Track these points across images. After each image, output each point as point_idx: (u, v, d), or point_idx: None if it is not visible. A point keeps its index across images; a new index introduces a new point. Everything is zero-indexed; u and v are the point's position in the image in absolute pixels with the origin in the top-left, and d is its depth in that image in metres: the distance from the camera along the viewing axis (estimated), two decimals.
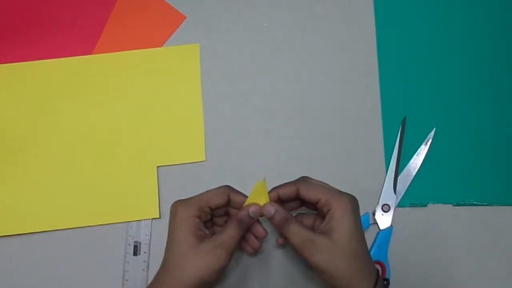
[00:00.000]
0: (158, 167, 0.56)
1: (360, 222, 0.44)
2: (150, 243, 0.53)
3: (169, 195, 0.55)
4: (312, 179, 0.47)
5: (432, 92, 0.58)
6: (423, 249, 0.54)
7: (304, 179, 0.47)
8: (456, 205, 0.55)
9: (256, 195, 0.46)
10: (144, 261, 0.53)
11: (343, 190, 0.54)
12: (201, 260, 0.42)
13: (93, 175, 0.56)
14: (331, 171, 0.56)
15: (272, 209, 0.45)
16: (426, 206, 0.55)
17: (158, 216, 0.54)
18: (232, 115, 0.58)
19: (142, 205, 0.54)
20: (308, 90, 0.58)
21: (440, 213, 0.55)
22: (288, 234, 0.44)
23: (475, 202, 0.54)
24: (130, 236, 0.54)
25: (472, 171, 0.56)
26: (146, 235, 0.53)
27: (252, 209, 0.45)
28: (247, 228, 0.46)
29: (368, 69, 0.59)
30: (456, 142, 0.56)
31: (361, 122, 0.57)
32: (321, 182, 0.47)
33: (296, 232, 0.43)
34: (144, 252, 0.53)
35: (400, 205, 0.54)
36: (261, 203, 0.45)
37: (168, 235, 0.45)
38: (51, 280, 0.53)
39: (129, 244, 0.53)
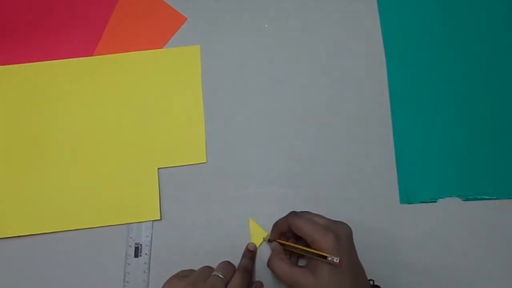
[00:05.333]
0: (159, 168, 0.56)
1: (350, 254, 0.44)
2: (151, 244, 0.53)
3: (170, 197, 0.55)
4: (300, 213, 0.48)
5: (441, 86, 0.58)
6: (434, 245, 0.53)
7: (292, 215, 0.48)
8: (466, 200, 0.54)
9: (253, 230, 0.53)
10: (145, 263, 0.53)
11: (347, 191, 0.55)
12: None
13: (94, 177, 0.56)
14: (332, 171, 0.56)
15: (252, 245, 0.52)
16: (436, 201, 0.54)
17: (159, 218, 0.54)
18: (233, 116, 0.58)
19: (143, 207, 0.54)
20: (310, 91, 0.58)
21: (450, 208, 0.54)
22: (273, 270, 0.46)
23: (485, 197, 0.54)
24: (131, 237, 0.54)
25: (482, 164, 0.55)
26: (147, 236, 0.53)
27: (250, 249, 0.51)
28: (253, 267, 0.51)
29: (374, 68, 0.59)
30: (467, 136, 0.56)
31: (366, 122, 0.57)
32: (310, 214, 0.48)
33: (281, 270, 0.46)
34: (145, 253, 0.53)
35: (410, 201, 0.54)
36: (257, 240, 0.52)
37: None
38: (52, 282, 0.53)
39: (130, 246, 0.53)
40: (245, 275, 0.47)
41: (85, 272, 0.53)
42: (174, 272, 0.47)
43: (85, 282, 0.53)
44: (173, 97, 0.58)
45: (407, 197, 0.54)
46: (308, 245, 0.45)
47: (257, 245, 0.52)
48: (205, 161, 0.56)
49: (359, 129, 0.57)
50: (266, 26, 0.61)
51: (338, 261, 0.41)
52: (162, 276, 0.46)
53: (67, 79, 0.59)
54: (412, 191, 0.54)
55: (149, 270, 0.53)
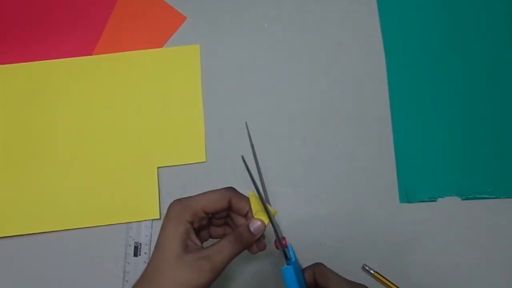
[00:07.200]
0: (158, 168, 0.56)
1: None
2: (150, 244, 0.53)
3: (170, 196, 0.54)
4: (326, 267, 0.44)
5: (441, 86, 0.58)
6: (433, 244, 0.53)
7: (319, 266, 0.44)
8: (465, 199, 0.54)
9: (256, 209, 0.42)
10: (144, 262, 0.53)
11: (347, 190, 0.54)
12: (181, 272, 0.38)
13: (93, 176, 0.55)
14: (332, 171, 0.56)
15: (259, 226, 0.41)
16: (435, 200, 0.54)
17: (158, 217, 0.54)
18: (233, 115, 0.58)
19: (142, 206, 0.54)
20: (309, 91, 0.58)
21: (450, 207, 0.54)
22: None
23: (485, 196, 0.54)
24: (130, 237, 0.54)
25: (482, 164, 0.55)
26: (146, 236, 0.53)
27: (255, 225, 0.40)
28: (246, 245, 0.41)
29: (373, 68, 0.59)
30: (466, 135, 0.56)
31: (366, 122, 0.57)
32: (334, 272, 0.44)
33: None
34: (145, 253, 0.53)
35: (409, 200, 0.54)
36: (263, 217, 0.41)
37: (158, 237, 0.41)
38: (52, 281, 0.53)
39: (130, 245, 0.53)
40: (238, 245, 0.41)
41: (84, 271, 0.53)
42: None
43: (85, 281, 0.53)
44: (173, 97, 0.58)
45: (406, 196, 0.54)
46: None
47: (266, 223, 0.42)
48: (204, 160, 0.56)
49: (359, 129, 0.57)
50: (266, 25, 0.61)
51: None
52: None
53: (67, 78, 0.59)
54: (412, 190, 0.54)
55: None
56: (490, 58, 0.59)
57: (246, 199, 0.43)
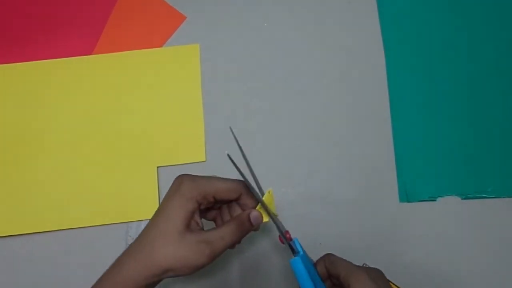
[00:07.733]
0: (158, 167, 0.56)
1: None
2: None
3: None
4: (335, 255, 0.44)
5: (440, 86, 0.58)
6: (433, 244, 0.53)
7: (329, 256, 0.44)
8: (465, 199, 0.54)
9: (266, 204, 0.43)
10: None
11: (347, 190, 0.54)
12: (181, 250, 0.38)
13: (93, 175, 0.55)
14: (331, 171, 0.56)
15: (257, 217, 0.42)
16: (435, 200, 0.54)
17: None
18: (232, 115, 0.58)
19: (142, 205, 0.54)
20: (309, 90, 0.58)
21: (449, 206, 0.54)
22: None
23: (484, 195, 0.54)
24: (130, 236, 0.53)
25: (482, 163, 0.55)
26: None
27: (254, 214, 0.42)
28: (244, 233, 0.42)
29: (373, 68, 0.59)
30: (466, 135, 0.56)
31: (366, 121, 0.57)
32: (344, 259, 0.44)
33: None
34: None
35: (409, 200, 0.54)
36: (263, 213, 0.43)
37: (160, 206, 0.41)
38: (51, 280, 0.53)
39: (129, 244, 0.53)
40: (238, 232, 0.41)
41: (84, 271, 0.53)
42: None
43: (85, 281, 0.53)
44: (173, 96, 0.58)
45: (406, 196, 0.54)
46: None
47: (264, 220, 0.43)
48: (204, 160, 0.56)
49: (359, 129, 0.57)
50: (265, 24, 0.61)
51: None
52: None
53: (66, 78, 0.59)
54: (412, 189, 0.54)
55: None
56: (490, 57, 0.59)
57: (254, 199, 0.43)
